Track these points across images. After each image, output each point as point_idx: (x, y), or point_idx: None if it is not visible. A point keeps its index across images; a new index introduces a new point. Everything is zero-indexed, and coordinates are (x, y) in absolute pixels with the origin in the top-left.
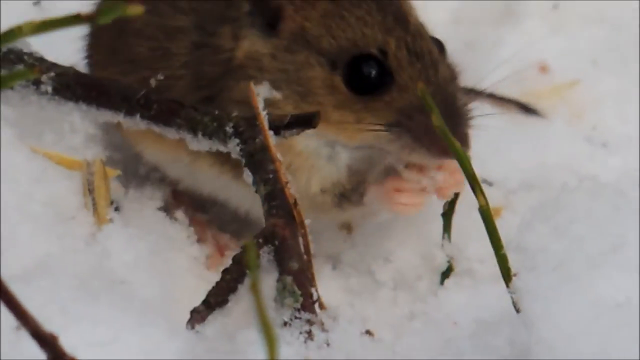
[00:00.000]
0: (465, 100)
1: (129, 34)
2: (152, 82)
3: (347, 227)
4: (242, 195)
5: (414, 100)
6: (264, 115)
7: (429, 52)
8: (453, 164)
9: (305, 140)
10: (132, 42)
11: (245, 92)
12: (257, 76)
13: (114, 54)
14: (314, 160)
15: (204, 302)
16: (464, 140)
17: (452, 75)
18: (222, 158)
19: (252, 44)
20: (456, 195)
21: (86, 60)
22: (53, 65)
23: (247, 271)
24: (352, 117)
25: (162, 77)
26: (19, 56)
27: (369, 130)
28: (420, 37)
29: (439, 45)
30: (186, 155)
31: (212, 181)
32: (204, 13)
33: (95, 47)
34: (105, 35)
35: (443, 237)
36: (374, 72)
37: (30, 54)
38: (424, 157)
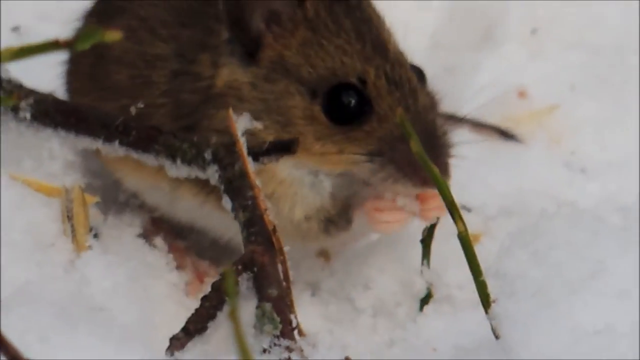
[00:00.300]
0: (445, 129)
1: (108, 61)
2: (132, 110)
3: (325, 255)
4: (225, 223)
5: (394, 129)
6: (242, 142)
7: (408, 81)
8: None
9: (288, 169)
10: (111, 70)
11: (225, 121)
12: (236, 105)
13: (93, 81)
14: (296, 187)
15: (183, 328)
16: (444, 170)
17: (432, 104)
18: (208, 188)
19: (232, 72)
20: (435, 221)
21: (65, 87)
22: (32, 92)
23: (226, 298)
24: (333, 147)
25: (142, 106)
26: None
27: (351, 159)
28: (399, 65)
29: (419, 73)
30: (167, 183)
31: (194, 209)
32: (183, 41)
33: (75, 73)
34: (84, 62)
35: (422, 264)
36: (353, 102)
37: (9, 81)
38: (407, 186)
